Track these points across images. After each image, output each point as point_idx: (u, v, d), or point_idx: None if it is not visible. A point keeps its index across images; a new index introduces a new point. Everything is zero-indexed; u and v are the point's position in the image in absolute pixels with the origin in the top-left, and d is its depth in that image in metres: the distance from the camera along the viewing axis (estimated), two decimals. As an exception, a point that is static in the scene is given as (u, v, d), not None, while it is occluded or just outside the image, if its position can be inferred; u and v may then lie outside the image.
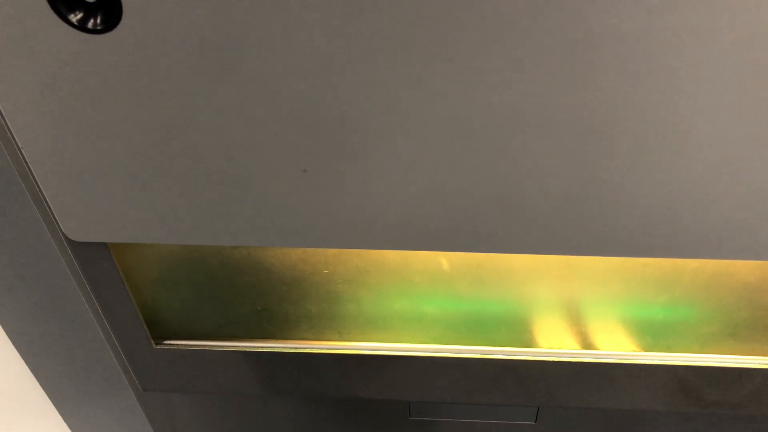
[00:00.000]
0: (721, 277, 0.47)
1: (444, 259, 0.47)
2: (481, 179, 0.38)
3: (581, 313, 0.50)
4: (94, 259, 0.46)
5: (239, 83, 0.34)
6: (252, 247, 0.47)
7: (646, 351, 0.51)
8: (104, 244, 0.45)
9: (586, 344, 0.52)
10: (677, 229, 0.39)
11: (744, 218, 0.39)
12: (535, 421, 0.64)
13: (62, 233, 0.43)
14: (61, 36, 0.33)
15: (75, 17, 0.32)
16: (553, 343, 0.52)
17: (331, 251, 0.47)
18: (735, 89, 0.33)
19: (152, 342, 0.53)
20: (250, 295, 0.50)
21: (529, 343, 0.52)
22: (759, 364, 0.50)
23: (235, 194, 0.39)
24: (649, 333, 0.51)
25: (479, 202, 0.39)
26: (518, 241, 0.41)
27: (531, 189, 0.38)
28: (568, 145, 0.36)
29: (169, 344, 0.53)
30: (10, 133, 0.37)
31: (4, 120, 0.37)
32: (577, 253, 0.41)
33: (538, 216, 0.39)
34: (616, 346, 0.51)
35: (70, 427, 0.71)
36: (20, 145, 0.38)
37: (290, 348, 0.53)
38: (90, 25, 0.32)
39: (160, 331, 0.53)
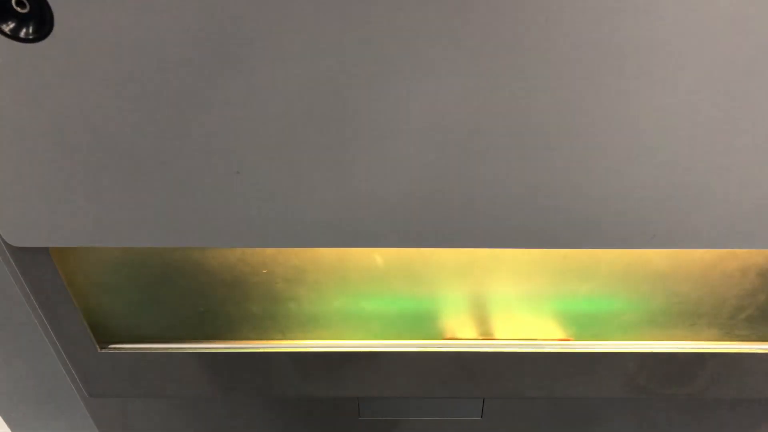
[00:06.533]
0: (637, 267, 0.50)
1: (378, 256, 0.49)
2: (418, 175, 0.39)
3: (515, 305, 0.53)
4: (36, 265, 0.47)
5: (170, 88, 0.36)
6: (191, 248, 0.48)
7: (579, 340, 0.54)
8: (45, 249, 0.46)
9: (522, 335, 0.54)
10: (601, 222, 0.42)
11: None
12: (481, 416, 0.66)
13: (1, 239, 0.44)
14: (-7, 45, 0.34)
15: (7, 27, 0.33)
16: (492, 334, 0.54)
17: (269, 251, 0.49)
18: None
19: (97, 346, 0.53)
20: (191, 296, 0.51)
21: (468, 335, 0.54)
22: (687, 348, 0.54)
23: (170, 196, 0.41)
24: (578, 323, 0.53)
25: (417, 199, 0.41)
26: (471, 236, 0.42)
27: (488, 178, 0.39)
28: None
29: (114, 348, 0.54)
30: None
31: None
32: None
33: (493, 209, 0.41)
34: (548, 336, 0.54)
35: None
36: (-44, 152, 0.39)
37: (234, 348, 0.54)
38: (22, 34, 0.34)
39: (104, 335, 0.54)
